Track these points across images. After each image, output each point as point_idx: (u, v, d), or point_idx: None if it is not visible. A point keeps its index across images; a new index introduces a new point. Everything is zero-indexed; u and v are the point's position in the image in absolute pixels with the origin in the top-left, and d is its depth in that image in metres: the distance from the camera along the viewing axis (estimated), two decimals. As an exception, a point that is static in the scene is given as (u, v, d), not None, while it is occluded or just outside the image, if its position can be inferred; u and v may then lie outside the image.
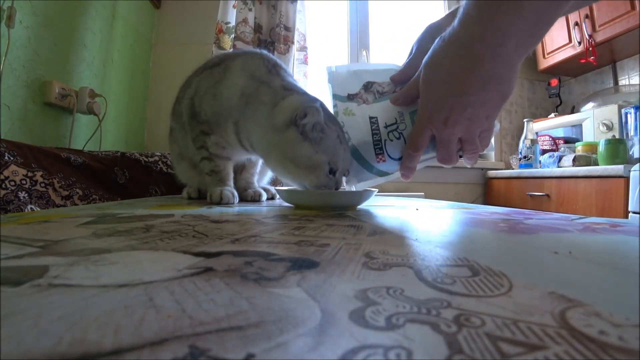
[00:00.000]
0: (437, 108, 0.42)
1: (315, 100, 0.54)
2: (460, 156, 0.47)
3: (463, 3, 0.37)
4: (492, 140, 1.98)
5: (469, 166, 0.50)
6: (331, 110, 0.54)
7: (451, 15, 0.52)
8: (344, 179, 0.55)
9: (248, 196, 0.70)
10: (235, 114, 0.59)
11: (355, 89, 0.53)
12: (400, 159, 0.49)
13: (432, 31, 0.51)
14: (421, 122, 0.44)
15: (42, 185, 0.79)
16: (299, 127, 0.51)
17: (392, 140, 0.48)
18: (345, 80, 0.54)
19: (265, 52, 0.66)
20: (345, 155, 0.52)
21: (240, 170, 0.73)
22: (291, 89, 0.58)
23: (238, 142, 0.61)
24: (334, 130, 0.52)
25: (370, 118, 0.50)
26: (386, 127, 0.49)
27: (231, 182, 0.65)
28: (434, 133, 0.44)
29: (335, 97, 0.52)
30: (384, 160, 0.49)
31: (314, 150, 0.51)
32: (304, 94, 0.58)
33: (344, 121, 0.51)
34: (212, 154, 0.64)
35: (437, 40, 0.40)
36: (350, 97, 0.52)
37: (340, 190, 0.55)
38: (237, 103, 0.59)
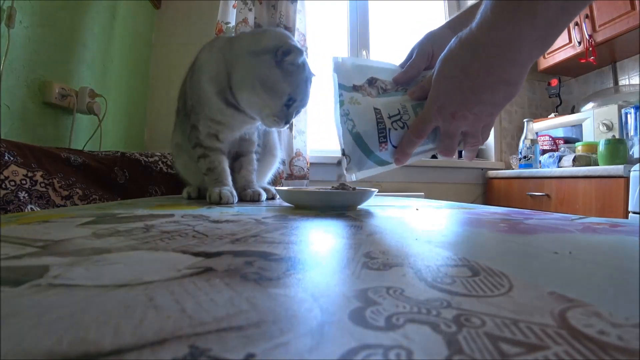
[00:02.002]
0: (447, 101, 0.44)
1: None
2: (459, 151, 0.49)
3: (482, 6, 0.39)
4: (491, 136, 1.99)
5: (467, 160, 0.54)
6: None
7: (448, 27, 0.57)
8: (344, 165, 0.56)
9: (247, 196, 0.70)
10: (223, 80, 0.62)
11: (360, 81, 0.54)
12: None
13: (432, 38, 0.57)
14: (429, 112, 0.46)
15: (42, 185, 0.79)
16: (277, 58, 0.56)
17: (396, 130, 0.50)
18: (351, 72, 0.55)
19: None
20: (305, 95, 0.58)
21: (239, 169, 0.74)
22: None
23: (223, 103, 0.64)
24: (306, 71, 0.57)
25: (375, 109, 0.51)
26: (390, 117, 0.50)
27: (229, 182, 0.65)
28: (440, 124, 0.46)
29: (341, 86, 0.53)
30: (386, 149, 0.50)
31: (282, 79, 0.57)
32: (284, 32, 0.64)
33: (349, 109, 0.52)
34: (207, 148, 0.65)
35: (454, 39, 0.43)
36: (355, 88, 0.54)
37: (338, 184, 0.59)
38: (217, 68, 0.63)
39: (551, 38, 0.37)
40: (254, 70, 0.58)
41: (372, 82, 0.54)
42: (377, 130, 0.50)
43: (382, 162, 0.53)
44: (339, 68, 0.55)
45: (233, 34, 0.70)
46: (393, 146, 0.50)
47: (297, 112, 0.61)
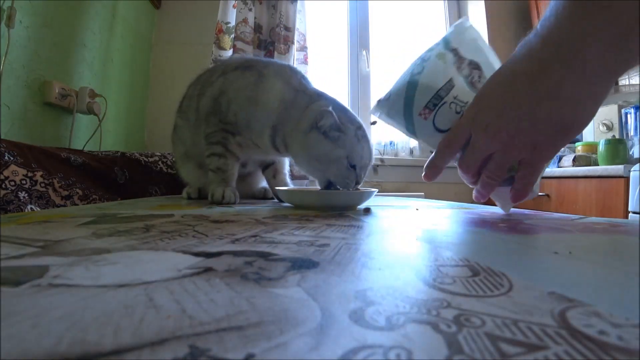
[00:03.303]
0: (483, 109, 0.37)
1: (332, 104, 0.59)
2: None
3: (551, 4, 0.31)
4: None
5: (475, 199, 0.45)
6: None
7: None
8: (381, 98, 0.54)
9: (257, 192, 0.79)
10: (274, 118, 0.62)
11: (465, 53, 0.49)
12: (439, 131, 0.46)
13: None
14: (464, 119, 0.40)
15: (42, 185, 0.79)
16: (320, 129, 0.56)
17: (449, 109, 0.45)
18: (465, 41, 0.50)
19: (290, 64, 0.72)
20: (363, 152, 0.57)
21: (273, 174, 0.77)
22: (321, 95, 0.63)
23: (271, 144, 0.63)
24: (351, 129, 0.56)
25: (450, 79, 0.46)
26: (455, 97, 0.46)
27: (234, 183, 0.65)
28: (472, 135, 0.39)
29: (445, 40, 0.49)
30: (425, 119, 0.46)
31: (334, 146, 0.56)
32: (330, 99, 0.62)
33: (430, 59, 0.48)
34: (229, 151, 0.65)
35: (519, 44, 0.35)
36: (455, 53, 0.49)
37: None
38: (277, 107, 0.61)
39: (631, 44, 0.26)
40: (308, 148, 0.58)
41: (472, 65, 0.49)
42: (433, 93, 0.45)
43: (410, 129, 0.48)
44: (460, 30, 0.50)
45: (292, 73, 0.67)
46: (433, 122, 0.46)
47: (365, 171, 0.59)
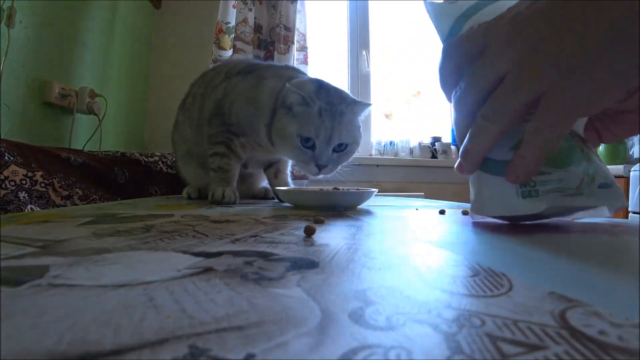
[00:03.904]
0: (508, 14, 0.26)
1: (298, 81, 0.60)
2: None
3: None
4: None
5: (456, 169, 0.33)
6: None
7: None
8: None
9: (257, 192, 0.79)
10: (268, 116, 0.62)
11: None
12: None
13: None
14: (483, 24, 0.28)
15: (42, 185, 0.79)
16: (284, 107, 0.58)
17: None
18: None
19: (292, 65, 0.73)
20: (323, 127, 0.55)
21: (275, 173, 0.77)
22: (297, 75, 0.64)
23: (270, 142, 0.64)
24: (316, 104, 0.55)
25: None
26: None
27: (235, 183, 0.66)
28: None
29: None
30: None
31: (288, 122, 0.57)
32: (311, 78, 0.63)
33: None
34: (232, 152, 0.65)
35: None
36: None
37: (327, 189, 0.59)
38: (270, 105, 0.62)
39: None
40: (274, 126, 0.59)
41: None
42: (463, 13, 0.38)
43: (450, 38, 0.39)
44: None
45: (290, 71, 0.69)
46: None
47: (326, 149, 0.56)
